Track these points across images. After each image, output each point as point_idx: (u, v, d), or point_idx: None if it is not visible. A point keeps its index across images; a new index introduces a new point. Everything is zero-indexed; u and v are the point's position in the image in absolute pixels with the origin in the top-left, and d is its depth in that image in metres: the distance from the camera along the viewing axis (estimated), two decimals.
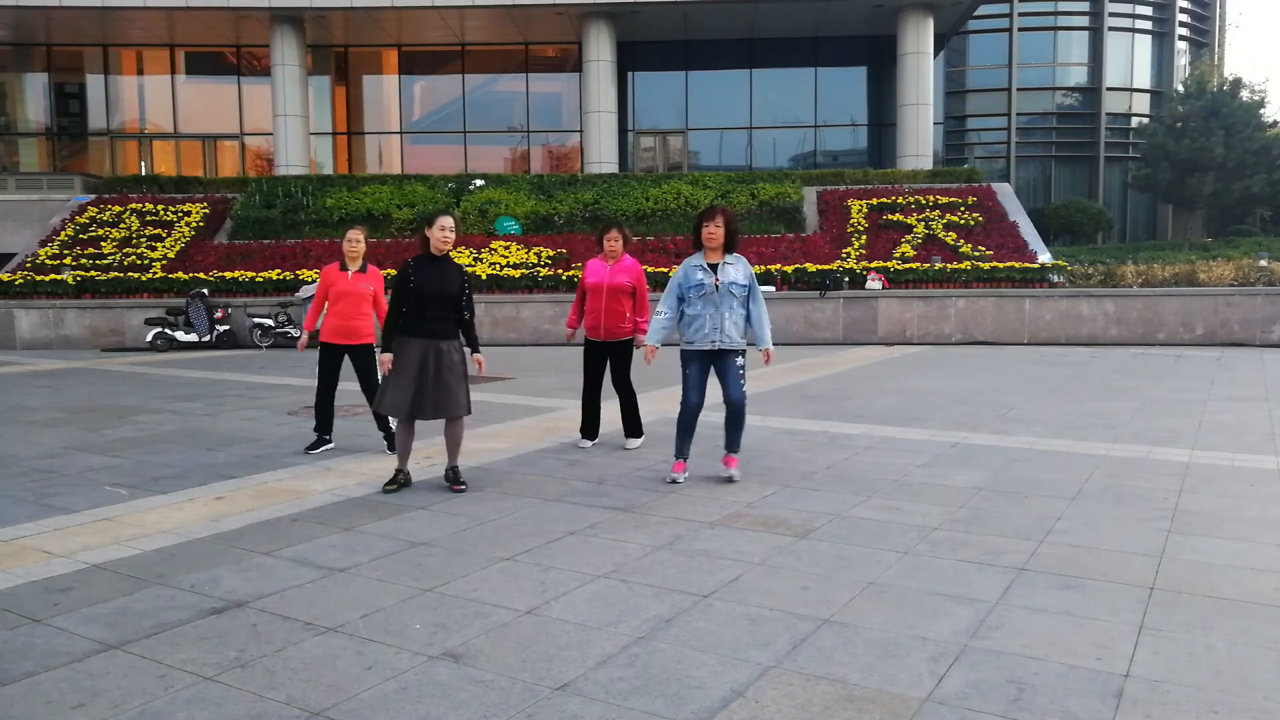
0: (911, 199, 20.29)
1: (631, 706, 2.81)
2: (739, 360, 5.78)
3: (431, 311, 5.58)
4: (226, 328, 17.24)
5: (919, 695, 2.87)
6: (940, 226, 19.07)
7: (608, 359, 7.08)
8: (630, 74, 28.44)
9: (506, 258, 18.57)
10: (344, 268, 6.94)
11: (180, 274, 18.42)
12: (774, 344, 5.99)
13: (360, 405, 9.33)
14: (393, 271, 17.91)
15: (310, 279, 17.73)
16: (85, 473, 6.28)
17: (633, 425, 7.11)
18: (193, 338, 17.03)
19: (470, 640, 3.33)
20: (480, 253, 18.81)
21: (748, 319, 5.82)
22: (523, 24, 26.50)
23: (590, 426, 7.14)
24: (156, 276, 18.41)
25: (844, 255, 18.31)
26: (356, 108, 29.71)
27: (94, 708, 2.84)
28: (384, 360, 5.65)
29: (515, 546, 4.47)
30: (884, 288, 17.21)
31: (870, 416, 8.31)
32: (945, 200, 20.17)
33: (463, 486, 5.66)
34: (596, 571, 4.07)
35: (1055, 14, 35.36)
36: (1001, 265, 17.39)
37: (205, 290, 17.54)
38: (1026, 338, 16.60)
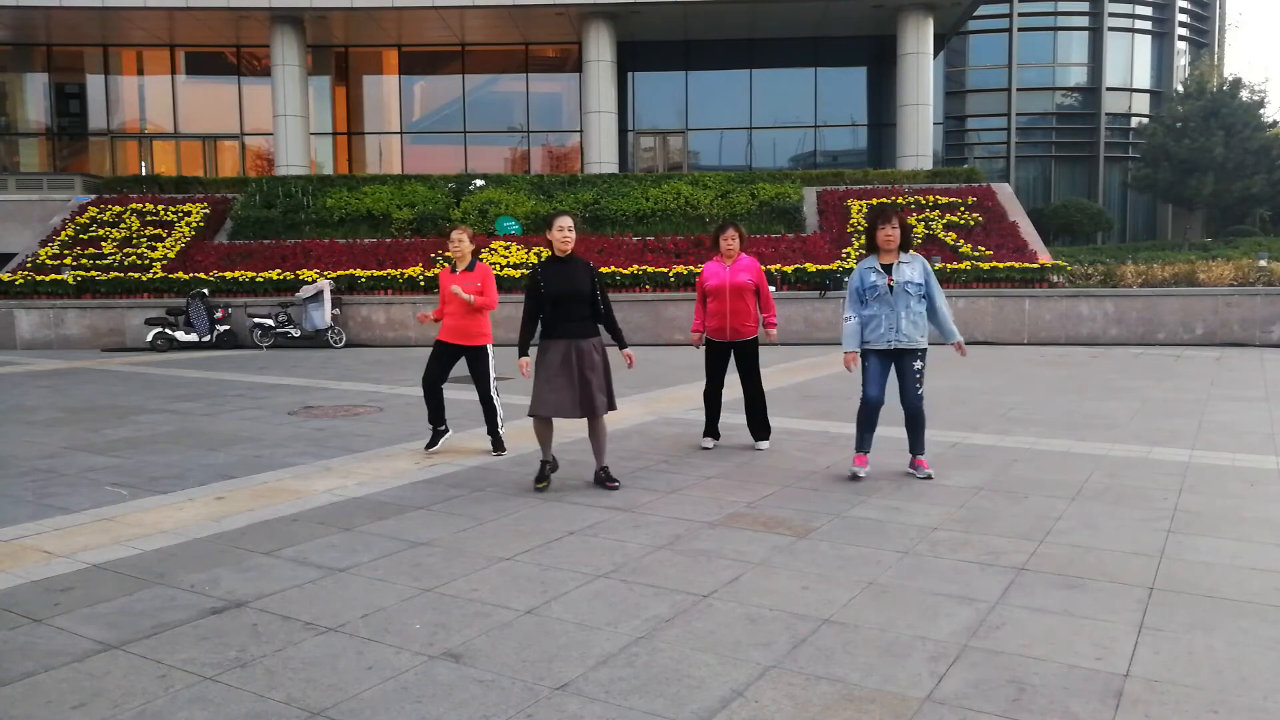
0: (911, 199, 20.28)
1: (631, 706, 2.81)
2: (918, 364, 5.85)
3: (566, 312, 5.64)
4: (227, 328, 17.24)
5: (919, 695, 2.87)
6: (940, 227, 19.06)
7: (731, 359, 7.01)
8: (630, 74, 28.43)
9: (507, 258, 18.58)
10: (454, 269, 6.99)
11: (180, 274, 18.41)
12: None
13: (360, 405, 9.33)
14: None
15: (310, 279, 17.73)
16: (85, 473, 6.29)
17: (763, 426, 7.03)
18: (193, 338, 17.03)
19: (470, 640, 3.33)
20: (480, 252, 18.80)
21: (932, 315, 5.88)
22: (523, 24, 26.50)
23: (714, 427, 7.10)
24: (157, 276, 18.40)
25: (844, 255, 18.31)
26: (356, 108, 29.71)
27: (94, 708, 2.84)
28: (521, 365, 5.72)
29: (515, 546, 4.47)
30: None
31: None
32: (945, 200, 20.17)
33: (616, 484, 5.69)
34: (596, 571, 4.08)
35: (1055, 14, 35.38)
36: (1001, 265, 17.38)
37: (205, 290, 17.53)
38: (1026, 338, 16.60)
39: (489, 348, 6.98)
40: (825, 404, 9.22)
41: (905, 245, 5.83)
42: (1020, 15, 34.49)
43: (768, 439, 7.04)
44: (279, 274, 18.17)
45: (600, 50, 25.47)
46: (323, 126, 29.00)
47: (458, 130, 28.96)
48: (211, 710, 2.81)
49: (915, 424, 5.94)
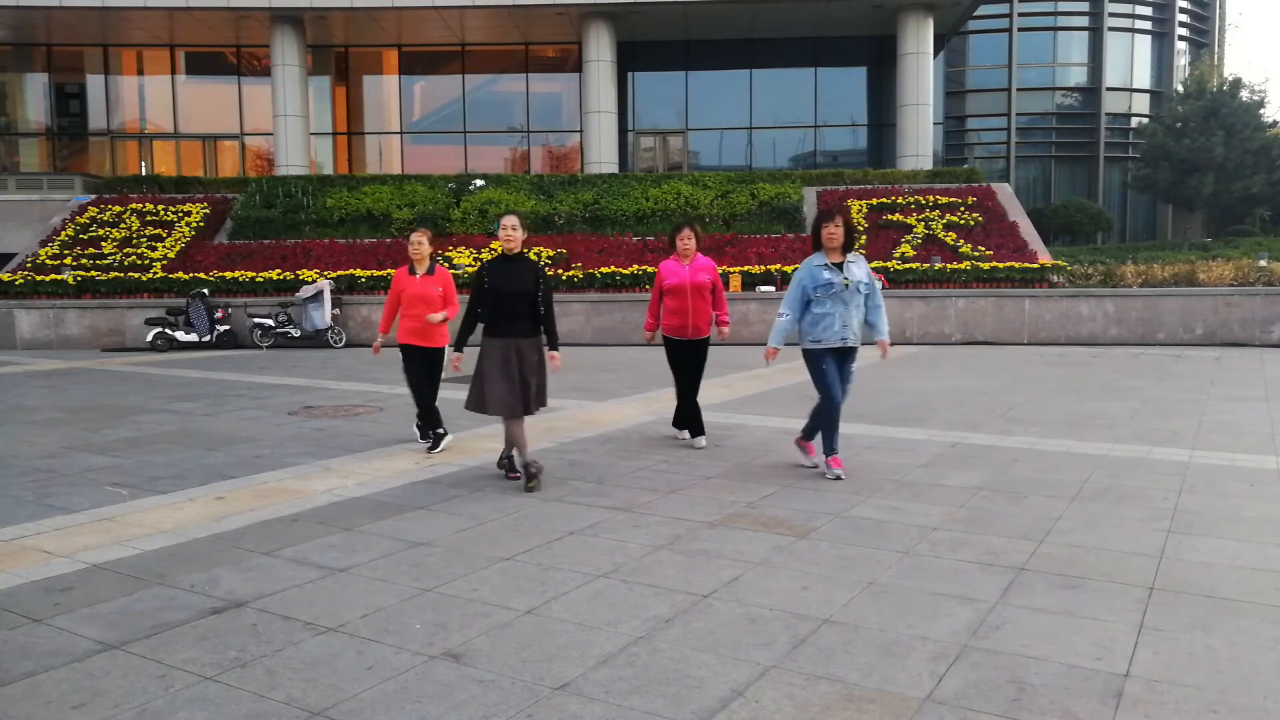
0: (911, 199, 20.29)
1: (631, 706, 2.81)
2: (853, 364, 5.96)
3: (509, 310, 5.65)
4: (227, 328, 17.24)
5: (919, 695, 2.87)
6: (940, 227, 19.06)
7: (691, 356, 7.05)
8: (630, 74, 28.43)
9: None
10: (412, 270, 7.04)
11: (180, 274, 18.41)
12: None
13: (360, 405, 9.33)
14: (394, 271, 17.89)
15: (310, 279, 17.73)
16: (85, 473, 6.29)
17: (698, 421, 7.10)
18: (193, 338, 17.03)
19: (470, 640, 3.33)
20: (480, 253, 18.80)
21: (872, 313, 5.96)
22: (523, 24, 26.51)
23: (696, 423, 7.10)
24: (157, 276, 18.40)
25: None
26: (356, 108, 29.71)
27: (94, 708, 2.84)
28: (455, 359, 5.75)
29: (515, 546, 4.47)
30: (884, 288, 17.21)
31: (870, 416, 8.30)
32: (945, 200, 20.17)
33: (519, 476, 5.78)
34: (596, 571, 4.07)
35: (1055, 14, 35.39)
36: (1001, 265, 17.39)
37: (205, 290, 17.54)
38: (1026, 338, 16.60)
39: (446, 348, 7.09)
40: None
41: (849, 245, 5.88)
42: (1020, 15, 34.49)
43: (704, 434, 7.10)
44: (279, 274, 18.17)
45: (600, 50, 25.47)
46: (323, 126, 28.99)
47: (458, 130, 28.97)
48: (211, 710, 2.81)
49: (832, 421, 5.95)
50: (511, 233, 5.72)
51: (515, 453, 5.85)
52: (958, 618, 3.49)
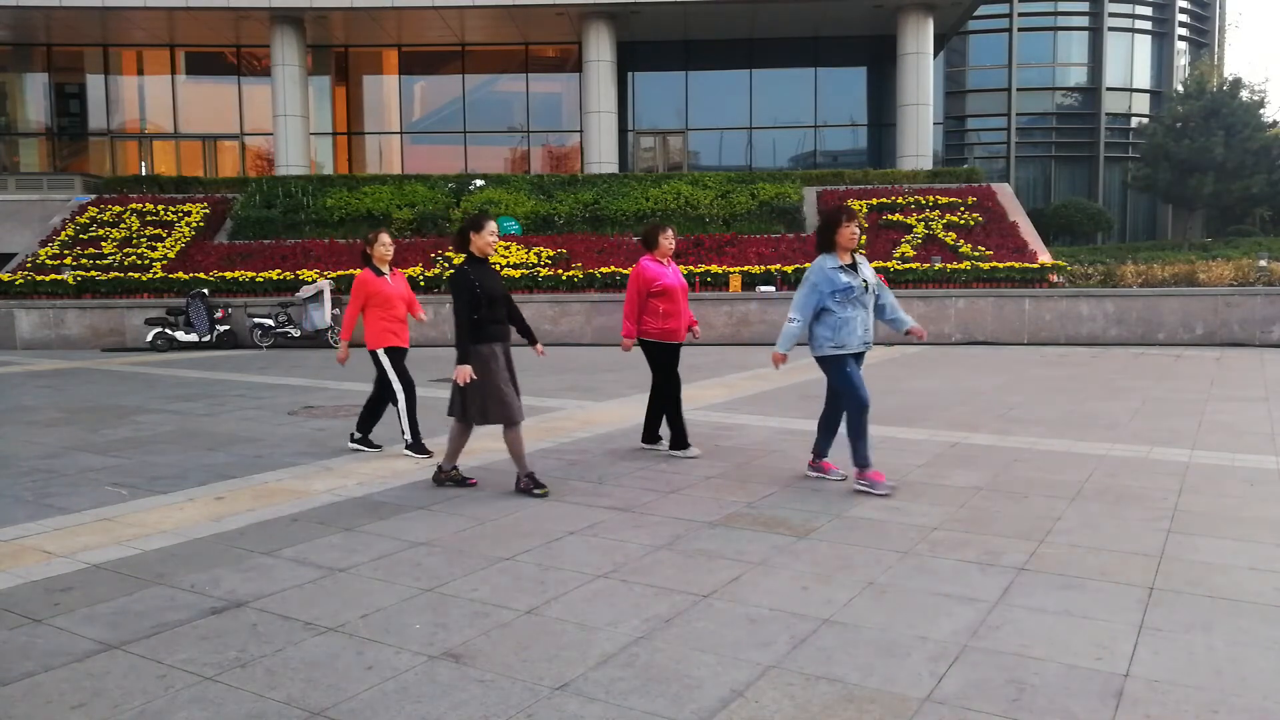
0: (911, 199, 20.29)
1: (631, 706, 2.81)
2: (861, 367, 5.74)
3: (498, 314, 5.59)
4: (227, 328, 17.24)
5: (919, 695, 2.87)
6: (940, 226, 19.06)
7: (676, 359, 6.77)
8: (630, 74, 28.43)
9: (506, 258, 18.57)
10: (379, 272, 7.09)
11: (180, 274, 18.41)
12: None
13: (360, 405, 9.32)
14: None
15: (310, 279, 17.73)
16: (85, 473, 6.28)
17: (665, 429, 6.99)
18: (193, 338, 17.03)
19: (470, 640, 3.33)
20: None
21: (882, 311, 5.78)
22: (523, 24, 26.51)
23: (682, 433, 6.73)
24: (157, 276, 18.40)
25: None
26: (356, 108, 29.71)
27: (94, 708, 2.84)
28: (463, 373, 5.32)
29: (515, 546, 4.47)
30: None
31: (870, 416, 8.28)
32: (945, 200, 20.17)
33: (545, 489, 5.53)
34: (596, 571, 4.07)
35: (1055, 14, 35.42)
36: (1001, 265, 17.39)
37: (205, 290, 17.54)
38: (1026, 338, 16.60)
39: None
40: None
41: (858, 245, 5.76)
42: (1020, 15, 34.53)
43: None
44: (279, 274, 18.17)
45: (600, 50, 25.47)
46: (323, 126, 28.99)
47: (458, 130, 28.96)
48: (211, 710, 2.81)
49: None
50: (497, 238, 5.67)
51: (523, 465, 5.69)
52: (958, 618, 3.49)
